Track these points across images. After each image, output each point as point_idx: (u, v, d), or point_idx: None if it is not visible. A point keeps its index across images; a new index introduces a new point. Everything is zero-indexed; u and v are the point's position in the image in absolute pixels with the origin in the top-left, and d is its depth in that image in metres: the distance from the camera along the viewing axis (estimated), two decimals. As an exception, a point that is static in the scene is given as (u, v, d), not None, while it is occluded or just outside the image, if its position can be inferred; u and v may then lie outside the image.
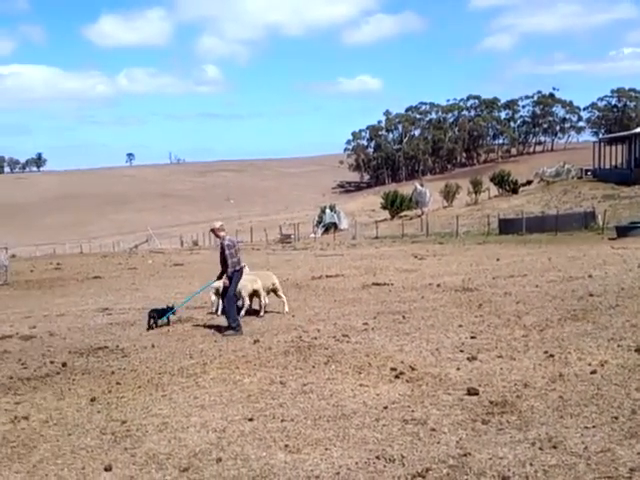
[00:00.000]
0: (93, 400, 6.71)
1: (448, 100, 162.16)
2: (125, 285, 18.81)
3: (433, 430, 5.40)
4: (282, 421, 5.80)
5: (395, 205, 56.84)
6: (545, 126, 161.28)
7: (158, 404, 6.51)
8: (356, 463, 4.83)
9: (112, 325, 11.40)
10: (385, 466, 4.76)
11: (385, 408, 6.01)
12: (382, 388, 6.65)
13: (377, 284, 15.02)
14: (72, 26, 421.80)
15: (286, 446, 5.22)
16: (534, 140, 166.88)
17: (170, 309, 11.25)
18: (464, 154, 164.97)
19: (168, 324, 11.08)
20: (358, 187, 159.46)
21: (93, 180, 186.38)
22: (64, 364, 8.36)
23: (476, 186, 57.12)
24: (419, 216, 51.77)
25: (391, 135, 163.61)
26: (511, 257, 20.46)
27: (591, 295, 11.36)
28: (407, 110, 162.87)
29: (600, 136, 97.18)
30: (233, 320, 10.07)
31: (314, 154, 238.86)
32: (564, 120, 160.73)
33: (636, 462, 4.58)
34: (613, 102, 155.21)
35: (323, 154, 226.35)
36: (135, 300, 14.94)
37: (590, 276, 13.87)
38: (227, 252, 10.03)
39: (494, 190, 58.77)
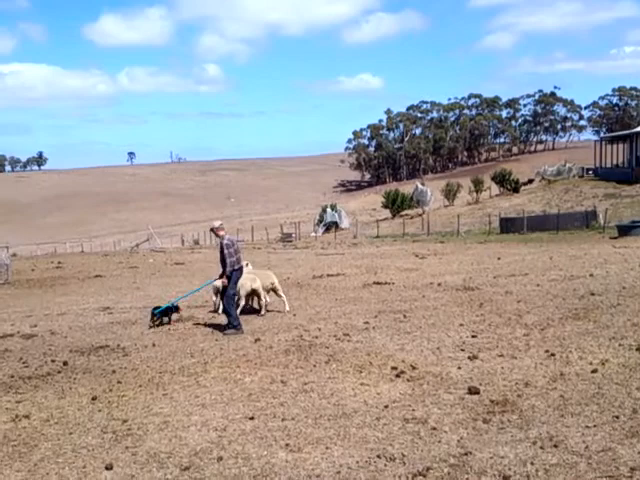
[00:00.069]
0: (94, 399, 6.72)
1: (449, 99, 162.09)
2: (126, 284, 18.82)
3: (434, 429, 5.40)
4: (283, 420, 5.81)
5: (396, 204, 56.81)
6: (546, 125, 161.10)
7: (159, 403, 6.52)
8: (357, 462, 4.83)
9: (113, 324, 11.41)
10: (386, 465, 4.76)
11: (386, 407, 6.01)
12: (383, 387, 6.65)
13: (378, 283, 15.02)
14: (73, 25, 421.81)
15: (287, 445, 5.22)
16: (535, 139, 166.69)
17: (175, 308, 11.30)
18: (465, 153, 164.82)
19: (169, 323, 11.09)
20: (359, 186, 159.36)
21: (94, 179, 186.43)
22: (65, 363, 8.36)
23: (477, 185, 57.08)
24: (420, 215, 51.76)
25: (392, 134, 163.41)
26: (512, 256, 20.45)
27: (592, 294, 11.36)
28: (408, 109, 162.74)
29: (601, 135, 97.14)
30: (234, 319, 10.08)
31: (315, 153, 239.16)
32: (565, 119, 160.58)
33: (637, 461, 4.58)
34: (614, 101, 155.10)
35: (324, 153, 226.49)
36: (136, 299, 14.94)
37: (591, 275, 13.87)
38: (226, 251, 10.04)
39: (495, 189, 58.74)
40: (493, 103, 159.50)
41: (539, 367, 7.07)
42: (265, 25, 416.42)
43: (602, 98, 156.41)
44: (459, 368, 7.19)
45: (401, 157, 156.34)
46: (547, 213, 40.59)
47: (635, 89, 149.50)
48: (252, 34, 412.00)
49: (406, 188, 67.38)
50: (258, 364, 7.83)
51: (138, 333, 10.47)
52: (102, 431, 5.76)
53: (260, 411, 6.07)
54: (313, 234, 51.98)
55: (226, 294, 10.28)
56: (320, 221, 56.36)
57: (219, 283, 10.85)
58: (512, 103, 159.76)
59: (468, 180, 59.86)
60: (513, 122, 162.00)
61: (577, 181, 52.26)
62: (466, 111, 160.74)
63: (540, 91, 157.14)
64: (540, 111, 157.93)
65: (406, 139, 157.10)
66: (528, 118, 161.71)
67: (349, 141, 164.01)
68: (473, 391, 6.28)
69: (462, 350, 8.00)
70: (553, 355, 7.49)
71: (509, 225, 37.04)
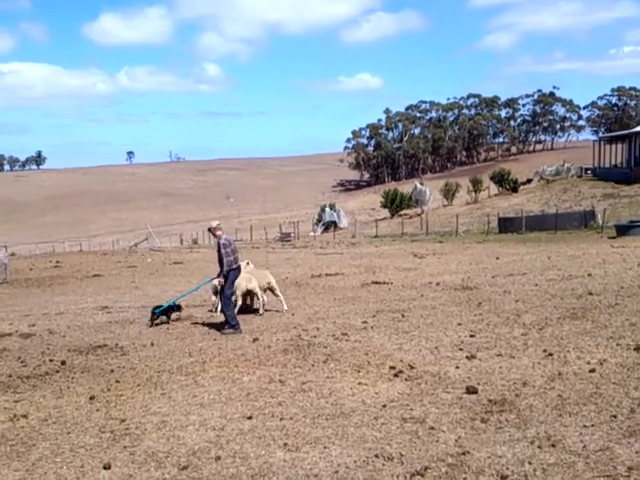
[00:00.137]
0: (92, 398, 6.72)
1: (448, 98, 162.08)
2: (125, 283, 18.82)
3: (432, 429, 5.40)
4: (281, 419, 5.81)
5: (395, 204, 56.82)
6: (545, 125, 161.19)
7: (157, 402, 6.51)
8: (355, 461, 4.83)
9: (111, 323, 11.40)
10: (384, 464, 4.76)
11: (384, 406, 6.01)
12: (381, 386, 6.66)
13: (377, 283, 15.02)
14: (73, 24, 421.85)
15: (285, 444, 5.23)
16: (534, 139, 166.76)
17: (177, 307, 11.33)
18: (464, 153, 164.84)
19: (167, 322, 11.09)
20: (358, 186, 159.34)
21: (93, 178, 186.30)
22: (63, 362, 8.36)
23: (476, 185, 57.11)
24: (419, 215, 51.80)
25: (391, 133, 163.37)
26: (511, 256, 20.46)
27: (590, 294, 11.36)
28: (407, 108, 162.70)
29: (600, 135, 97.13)
30: (232, 318, 10.08)
31: (314, 152, 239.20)
32: (564, 119, 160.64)
33: (634, 461, 4.58)
34: (613, 101, 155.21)
35: (323, 152, 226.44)
36: (134, 298, 14.94)
37: (589, 275, 13.88)
38: (223, 251, 10.08)
39: (494, 189, 58.76)
40: (492, 103, 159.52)
41: (537, 367, 7.08)
42: (265, 25, 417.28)
43: (601, 98, 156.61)
44: (457, 367, 7.19)
45: (400, 157, 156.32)
46: (545, 213, 40.64)
47: (634, 89, 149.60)
48: (252, 34, 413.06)
49: (405, 188, 67.39)
50: (256, 363, 7.83)
51: (136, 332, 10.47)
52: (100, 430, 5.76)
53: (258, 410, 6.08)
54: (312, 234, 51.98)
55: (224, 294, 10.29)
56: (319, 221, 56.36)
57: (217, 282, 10.86)
58: (511, 103, 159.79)
59: (467, 180, 59.89)
60: (512, 122, 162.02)
61: (576, 181, 52.30)
62: (465, 111, 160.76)
63: (539, 91, 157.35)
64: (539, 111, 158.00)
65: (405, 139, 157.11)
66: (527, 118, 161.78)
67: (348, 141, 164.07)
68: (471, 390, 6.29)
69: (460, 349, 8.01)
70: (551, 355, 7.50)
71: (508, 225, 37.07)
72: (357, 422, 5.64)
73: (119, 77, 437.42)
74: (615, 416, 5.45)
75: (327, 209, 57.04)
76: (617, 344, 7.79)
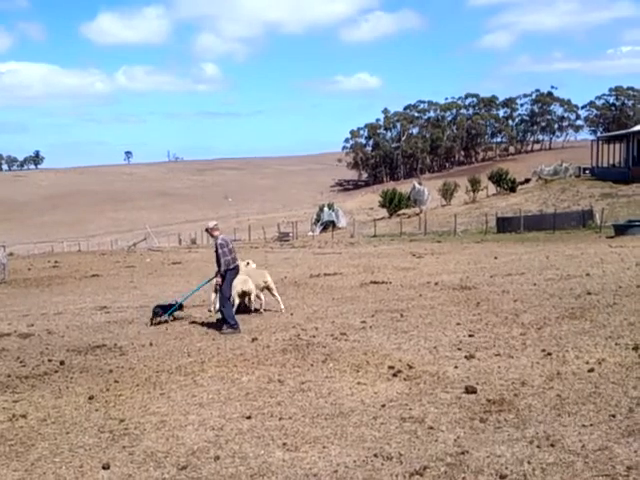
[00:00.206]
0: (91, 398, 6.71)
1: (446, 98, 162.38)
2: (123, 283, 18.81)
3: (431, 428, 5.41)
4: (280, 419, 5.81)
5: (393, 203, 56.85)
6: (543, 124, 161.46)
7: (156, 402, 6.51)
8: (354, 461, 4.84)
9: (110, 323, 11.40)
10: (383, 464, 4.77)
11: (383, 406, 6.02)
12: (380, 386, 6.66)
13: (375, 282, 15.02)
14: (70, 23, 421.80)
15: (284, 444, 5.23)
16: (532, 138, 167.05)
17: (178, 305, 11.34)
18: (462, 152, 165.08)
19: (166, 321, 11.09)
20: (356, 185, 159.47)
21: (91, 178, 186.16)
22: (62, 362, 8.35)
23: (474, 184, 57.15)
24: (417, 214, 51.83)
25: (389, 133, 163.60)
26: (509, 255, 20.48)
27: (589, 293, 11.38)
28: (405, 108, 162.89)
29: (598, 134, 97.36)
30: (230, 318, 10.09)
31: (312, 152, 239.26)
32: (562, 118, 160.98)
33: (633, 460, 4.59)
34: (611, 100, 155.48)
35: (321, 152, 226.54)
36: (133, 298, 14.93)
37: (588, 274, 13.89)
38: (220, 251, 10.09)
39: (492, 188, 58.80)
40: (490, 103, 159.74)
41: (536, 366, 7.08)
42: (263, 24, 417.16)
43: (599, 98, 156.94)
44: (456, 367, 7.20)
45: (398, 156, 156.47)
46: (544, 213, 40.68)
47: (632, 89, 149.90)
48: (250, 33, 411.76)
49: (403, 187, 67.41)
50: (255, 363, 7.83)
51: (135, 332, 10.46)
52: (99, 430, 5.76)
53: (257, 410, 6.08)
54: (310, 233, 51.99)
55: (222, 294, 10.30)
56: (317, 220, 56.36)
57: (215, 282, 10.86)
58: (509, 103, 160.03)
59: (465, 180, 59.94)
60: (510, 122, 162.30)
61: (574, 181, 52.37)
62: (463, 111, 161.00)
63: (537, 91, 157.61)
64: (537, 111, 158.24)
65: (403, 138, 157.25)
66: (525, 118, 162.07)
67: (346, 140, 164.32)
68: (470, 390, 6.29)
69: (459, 349, 8.01)
70: (550, 354, 7.50)
71: (506, 224, 37.11)
72: (356, 422, 5.65)
73: (117, 77, 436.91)
74: (614, 415, 5.45)
75: (325, 209, 57.06)
76: (616, 343, 7.80)
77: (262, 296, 11.78)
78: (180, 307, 11.43)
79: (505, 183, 56.34)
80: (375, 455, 4.91)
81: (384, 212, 58.74)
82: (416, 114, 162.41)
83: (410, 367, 7.25)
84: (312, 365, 7.60)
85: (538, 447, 4.90)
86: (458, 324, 9.56)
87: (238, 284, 11.03)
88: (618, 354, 7.35)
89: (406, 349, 8.19)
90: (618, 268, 14.79)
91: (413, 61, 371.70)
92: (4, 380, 7.60)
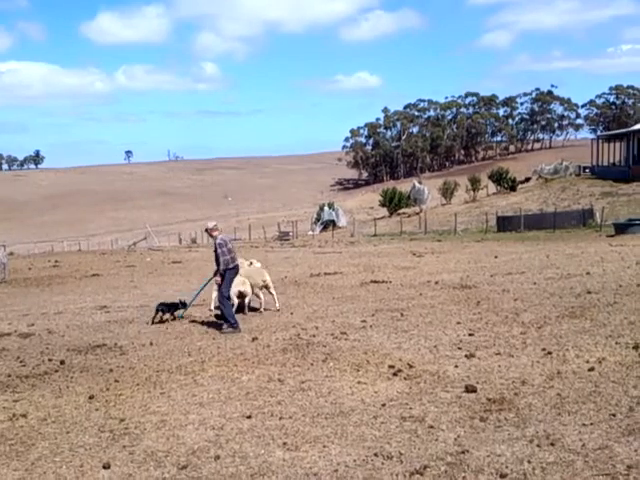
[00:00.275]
0: (91, 398, 6.71)
1: (446, 97, 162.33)
2: (123, 283, 18.81)
3: (431, 427, 5.41)
4: (280, 418, 5.81)
5: (393, 202, 56.87)
6: (543, 123, 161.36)
7: (156, 402, 6.51)
8: (354, 460, 4.84)
9: (110, 323, 11.40)
10: (383, 463, 4.77)
11: (383, 405, 6.02)
12: (380, 385, 6.66)
13: (375, 282, 15.02)
14: (70, 23, 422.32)
15: (284, 443, 5.23)
16: (532, 137, 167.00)
17: (183, 304, 11.37)
18: (462, 151, 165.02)
19: (167, 320, 11.10)
20: (356, 184, 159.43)
21: (91, 177, 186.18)
22: (62, 362, 8.35)
23: (474, 183, 57.19)
24: (417, 213, 51.85)
25: (389, 132, 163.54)
26: (509, 254, 20.48)
27: (589, 292, 11.38)
28: (405, 107, 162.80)
29: (598, 133, 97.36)
30: (231, 317, 10.09)
31: (312, 151, 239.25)
32: (562, 117, 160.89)
33: (634, 459, 4.59)
34: (611, 99, 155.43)
35: (321, 151, 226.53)
36: (133, 298, 14.93)
37: (588, 273, 13.89)
38: (219, 250, 10.10)
39: (492, 187, 58.82)
40: (490, 101, 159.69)
41: (536, 365, 7.08)
42: (263, 23, 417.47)
43: (599, 96, 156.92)
44: (456, 366, 7.20)
45: (398, 155, 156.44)
46: (544, 211, 40.68)
47: (632, 87, 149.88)
48: (250, 32, 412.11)
49: (403, 186, 67.40)
50: (255, 363, 7.83)
51: (135, 332, 10.46)
52: (99, 430, 5.76)
53: (257, 410, 6.08)
54: (310, 232, 51.99)
55: (222, 293, 10.31)
56: (317, 220, 56.36)
57: (215, 281, 10.86)
58: (509, 101, 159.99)
59: (465, 179, 59.99)
60: (510, 120, 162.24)
61: (574, 180, 52.37)
62: (463, 109, 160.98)
63: (537, 89, 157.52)
64: (537, 109, 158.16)
65: (403, 137, 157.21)
66: (525, 116, 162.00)
67: (346, 139, 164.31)
68: (470, 389, 6.29)
69: (459, 348, 8.01)
70: (550, 353, 7.50)
71: (506, 223, 37.11)
72: (356, 421, 5.65)
73: (117, 76, 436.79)
74: (614, 415, 5.45)
75: (326, 208, 57.06)
76: (616, 342, 7.80)
77: (262, 295, 11.78)
78: (184, 306, 11.45)
79: (505, 182, 56.36)
80: (375, 454, 4.91)
81: (384, 211, 58.76)
82: (416, 113, 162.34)
83: (410, 366, 7.25)
84: (312, 364, 7.60)
85: (538, 446, 4.90)
86: (458, 323, 9.56)
87: (236, 285, 11.03)
88: (618, 353, 7.35)
89: (406, 348, 8.19)
90: (618, 267, 14.78)
91: (413, 60, 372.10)
92: (4, 380, 7.61)
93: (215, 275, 10.46)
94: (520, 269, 15.73)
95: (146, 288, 16.98)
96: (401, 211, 56.27)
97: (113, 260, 29.48)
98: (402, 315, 10.43)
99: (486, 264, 17.75)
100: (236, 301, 11.22)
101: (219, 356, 8.29)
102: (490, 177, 58.41)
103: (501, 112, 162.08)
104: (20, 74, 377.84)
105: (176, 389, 6.92)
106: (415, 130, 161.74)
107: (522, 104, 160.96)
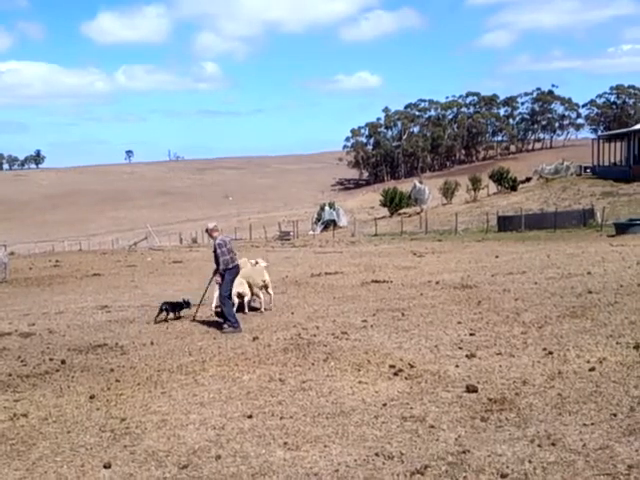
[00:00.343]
0: (92, 397, 6.72)
1: (447, 97, 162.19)
2: (124, 282, 18.81)
3: (432, 427, 5.40)
4: (281, 418, 5.81)
5: (394, 202, 56.80)
6: (544, 123, 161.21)
7: (157, 401, 6.51)
8: (355, 460, 4.84)
9: (111, 322, 11.40)
10: (384, 463, 4.77)
11: (384, 405, 6.02)
12: (381, 385, 6.66)
13: (376, 281, 15.02)
14: (71, 23, 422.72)
15: (285, 443, 5.23)
16: (533, 137, 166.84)
17: (187, 304, 11.39)
18: (463, 151, 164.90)
19: (167, 320, 11.10)
20: (357, 184, 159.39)
21: (92, 177, 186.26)
22: (63, 361, 8.36)
23: (475, 183, 57.12)
24: (418, 213, 51.81)
25: (390, 132, 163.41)
26: (510, 254, 20.47)
27: (590, 292, 11.37)
28: (406, 107, 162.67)
29: (599, 133, 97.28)
30: (231, 316, 10.09)
31: (313, 151, 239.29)
32: (563, 117, 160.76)
33: (634, 459, 4.59)
34: (612, 99, 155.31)
35: (322, 151, 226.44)
36: (134, 297, 14.94)
37: (589, 273, 13.88)
38: (218, 250, 10.12)
39: (493, 187, 58.76)
40: (491, 101, 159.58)
41: (537, 365, 7.08)
42: (263, 23, 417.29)
43: (600, 96, 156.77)
44: (457, 366, 7.19)
45: (399, 155, 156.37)
46: (545, 211, 40.65)
47: (633, 87, 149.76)
48: (250, 32, 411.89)
49: (404, 186, 67.34)
50: (256, 362, 7.83)
51: (136, 331, 10.46)
52: (100, 430, 5.76)
53: (258, 409, 6.08)
54: (311, 232, 51.96)
55: (222, 293, 10.32)
56: (318, 219, 56.32)
57: (215, 281, 10.87)
58: (510, 101, 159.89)
59: (466, 178, 59.90)
60: (511, 120, 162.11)
61: (575, 179, 52.32)
62: (464, 109, 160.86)
63: (538, 89, 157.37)
64: (538, 109, 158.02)
65: (404, 137, 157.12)
66: (526, 116, 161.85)
67: (347, 139, 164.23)
68: (471, 389, 6.29)
69: (460, 348, 8.01)
70: (551, 353, 7.50)
71: (507, 223, 37.07)
72: (357, 421, 5.65)
73: (117, 76, 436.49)
74: (615, 414, 5.45)
75: (326, 208, 57.01)
76: (617, 342, 7.80)
77: (262, 295, 11.79)
78: (188, 305, 11.46)
79: (506, 182, 56.30)
80: (376, 454, 4.91)
81: (385, 211, 58.70)
82: (417, 113, 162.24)
83: (411, 366, 7.25)
84: (313, 364, 7.60)
85: (539, 446, 4.90)
86: (459, 323, 9.56)
87: (235, 286, 11.04)
88: (619, 353, 7.34)
89: (407, 348, 8.19)
90: (619, 267, 14.78)
91: (414, 60, 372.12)
92: (5, 379, 7.61)
93: (214, 274, 10.47)
94: (521, 269, 15.73)
95: (147, 288, 16.99)
96: (402, 211, 56.22)
97: (114, 260, 29.48)
98: (403, 315, 10.43)
99: (487, 264, 17.74)
100: (236, 301, 11.22)
101: (220, 356, 8.29)
102: (491, 177, 58.36)
103: (502, 112, 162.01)
104: (20, 74, 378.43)
105: (177, 389, 6.92)
106: (416, 130, 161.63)
107: (523, 104, 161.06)
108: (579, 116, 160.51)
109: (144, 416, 6.07)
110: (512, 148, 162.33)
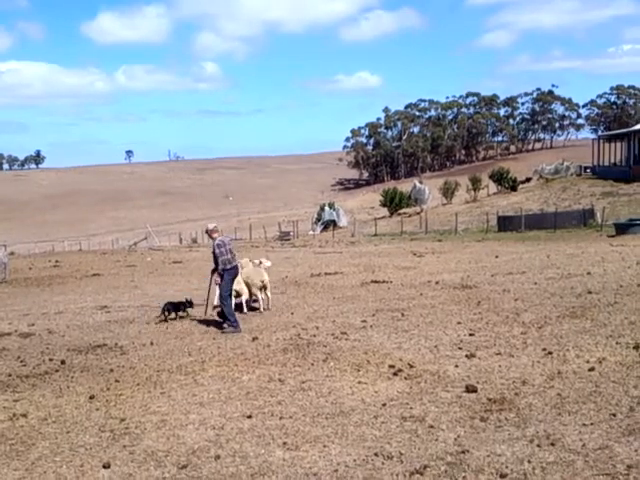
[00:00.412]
0: (92, 398, 6.72)
1: (447, 97, 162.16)
2: (124, 283, 18.81)
3: (431, 427, 5.41)
4: (280, 418, 5.81)
5: (394, 202, 56.78)
6: (544, 123, 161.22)
7: (157, 401, 6.52)
8: (354, 460, 4.84)
9: (111, 323, 11.40)
10: (383, 463, 4.77)
11: (383, 405, 6.02)
12: (380, 385, 6.66)
13: (376, 282, 15.02)
14: (71, 23, 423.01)
15: (284, 443, 5.23)
16: (533, 137, 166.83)
17: (189, 304, 11.39)
18: (463, 151, 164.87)
19: (173, 318, 11.11)
20: (357, 184, 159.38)
21: (92, 177, 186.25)
22: (63, 362, 8.36)
23: (475, 183, 57.10)
24: (418, 213, 51.79)
25: (390, 132, 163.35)
26: (510, 254, 20.47)
27: (589, 292, 11.37)
28: (406, 107, 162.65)
29: (599, 133, 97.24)
30: (230, 315, 10.10)
31: (313, 151, 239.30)
32: (563, 117, 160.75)
33: (634, 459, 4.59)
34: (612, 99, 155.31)
35: (322, 151, 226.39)
36: (134, 298, 14.94)
37: (589, 273, 13.88)
38: (217, 251, 10.15)
39: (493, 187, 58.75)
40: (491, 101, 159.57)
41: (536, 365, 7.08)
42: (263, 23, 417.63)
43: (600, 96, 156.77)
44: (456, 366, 7.20)
45: (399, 155, 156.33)
46: (545, 211, 40.64)
47: (633, 87, 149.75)
48: (250, 32, 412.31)
49: (404, 186, 67.33)
50: (256, 362, 7.83)
51: (136, 332, 10.46)
52: (100, 430, 5.76)
53: (258, 409, 6.08)
54: (311, 232, 51.95)
55: (221, 293, 10.33)
56: (318, 219, 56.30)
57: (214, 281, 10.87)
58: (510, 101, 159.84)
59: (466, 178, 59.88)
60: (511, 120, 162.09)
61: (575, 179, 52.31)
62: (464, 109, 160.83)
63: (538, 89, 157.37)
64: (538, 109, 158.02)
65: (404, 137, 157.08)
66: (526, 116, 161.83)
67: (347, 139, 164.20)
68: (470, 389, 6.29)
69: (459, 348, 8.01)
70: (550, 353, 7.50)
71: (507, 223, 37.07)
72: (357, 421, 5.65)
73: (117, 76, 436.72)
74: (614, 415, 5.45)
75: (326, 208, 56.99)
76: (616, 342, 7.80)
77: (261, 295, 11.78)
78: (190, 305, 11.47)
79: (506, 182, 56.28)
80: (375, 454, 4.92)
81: (385, 211, 58.68)
82: (417, 113, 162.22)
83: (411, 366, 7.25)
84: (313, 364, 7.61)
85: (538, 446, 4.90)
86: (459, 323, 9.56)
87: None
88: (619, 353, 7.34)
89: (407, 348, 8.19)
90: (619, 267, 14.78)
91: (414, 60, 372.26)
92: (5, 379, 7.61)
93: (213, 274, 10.48)
94: (521, 269, 15.73)
95: (147, 288, 16.99)
96: (402, 211, 56.20)
97: (114, 260, 29.49)
98: (403, 315, 10.43)
99: (487, 264, 17.74)
100: (233, 300, 11.23)
101: (219, 356, 8.30)
102: (491, 177, 58.35)
103: (502, 112, 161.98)
104: (20, 74, 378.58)
105: (176, 389, 6.92)
106: (416, 130, 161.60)
107: (523, 104, 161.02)
108: (579, 116, 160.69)
109: (143, 416, 6.07)
110: (512, 148, 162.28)
